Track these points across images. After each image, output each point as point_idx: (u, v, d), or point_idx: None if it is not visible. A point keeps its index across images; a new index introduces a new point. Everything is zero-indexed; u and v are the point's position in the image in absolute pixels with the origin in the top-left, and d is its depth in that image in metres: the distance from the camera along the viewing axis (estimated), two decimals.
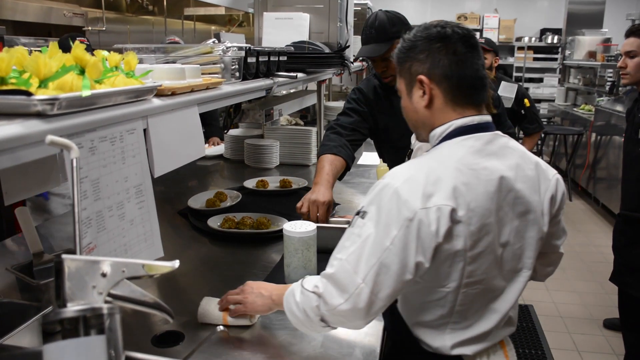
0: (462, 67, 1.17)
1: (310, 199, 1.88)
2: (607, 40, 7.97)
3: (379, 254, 1.05)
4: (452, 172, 1.09)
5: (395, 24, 2.16)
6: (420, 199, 1.05)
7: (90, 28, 3.50)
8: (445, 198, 1.05)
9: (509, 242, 1.16)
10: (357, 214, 1.13)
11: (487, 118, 1.21)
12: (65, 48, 0.97)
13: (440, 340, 1.19)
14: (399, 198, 1.05)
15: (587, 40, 8.06)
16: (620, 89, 6.47)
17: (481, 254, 1.11)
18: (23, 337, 1.05)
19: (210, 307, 1.38)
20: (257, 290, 1.32)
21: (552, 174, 1.24)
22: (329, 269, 1.12)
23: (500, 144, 1.18)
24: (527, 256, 1.20)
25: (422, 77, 1.18)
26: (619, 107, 5.71)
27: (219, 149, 3.54)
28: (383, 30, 2.15)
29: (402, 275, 1.06)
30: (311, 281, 1.16)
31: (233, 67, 1.53)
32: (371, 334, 1.35)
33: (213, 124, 3.84)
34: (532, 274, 1.24)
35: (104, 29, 3.62)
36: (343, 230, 1.19)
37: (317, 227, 1.58)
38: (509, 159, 1.17)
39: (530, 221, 1.18)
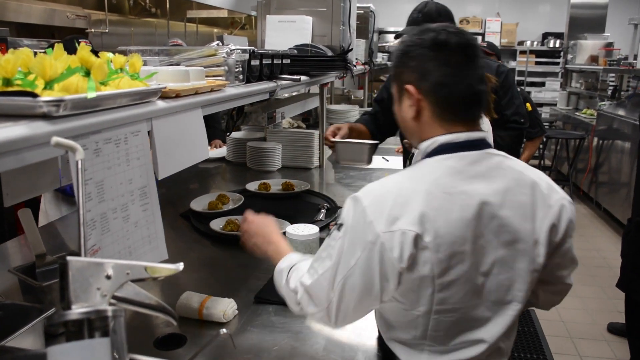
0: (454, 81, 1.08)
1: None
2: (609, 44, 7.98)
3: (345, 272, 1.04)
4: (423, 195, 1.02)
5: (441, 14, 2.28)
6: (385, 222, 1.00)
7: (93, 30, 3.51)
8: (410, 223, 0.99)
9: (492, 272, 1.07)
10: (335, 224, 1.11)
11: (478, 135, 1.11)
12: (69, 49, 0.97)
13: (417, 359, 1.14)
14: (365, 218, 1.02)
15: (590, 45, 8.07)
16: (622, 93, 6.48)
17: (454, 282, 1.04)
18: (25, 339, 1.05)
19: (189, 301, 1.40)
20: (260, 240, 1.40)
21: (556, 199, 1.11)
22: (306, 279, 1.12)
23: (490, 165, 1.09)
24: (517, 288, 1.09)
25: (409, 87, 1.10)
26: (621, 112, 5.71)
27: (221, 151, 3.54)
28: (429, 16, 2.24)
29: (367, 294, 1.05)
30: (294, 279, 1.17)
31: (237, 69, 1.53)
32: (374, 337, 1.35)
33: (215, 126, 3.83)
34: (531, 302, 1.20)
35: (106, 31, 3.63)
36: (363, 144, 1.60)
37: (337, 142, 1.96)
38: (497, 181, 1.07)
39: (519, 251, 1.08)
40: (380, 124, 2.42)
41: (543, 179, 1.13)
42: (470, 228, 1.02)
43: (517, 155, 2.45)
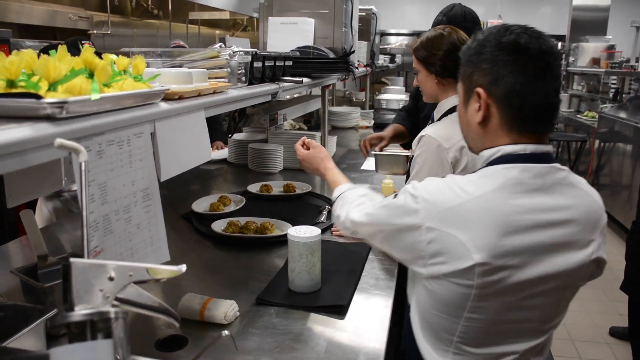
0: (530, 90, 1.01)
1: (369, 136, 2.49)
2: (611, 47, 7.97)
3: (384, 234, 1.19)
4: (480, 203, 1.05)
5: (467, 19, 2.30)
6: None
7: (95, 31, 3.51)
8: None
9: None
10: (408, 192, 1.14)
11: (545, 148, 1.06)
12: (72, 51, 0.97)
13: None
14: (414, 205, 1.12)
15: (591, 47, 8.06)
16: (624, 95, 6.47)
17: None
18: (27, 339, 1.05)
19: (190, 303, 1.40)
20: (316, 166, 1.70)
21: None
22: (355, 215, 1.31)
23: (555, 179, 1.06)
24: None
25: (480, 90, 1.05)
26: (623, 114, 5.70)
27: (222, 153, 3.54)
28: (454, 20, 2.25)
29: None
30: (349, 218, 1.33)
31: (239, 71, 1.53)
32: (375, 339, 1.35)
33: (216, 127, 3.84)
34: None
35: (109, 32, 3.64)
36: (399, 156, 2.00)
37: (376, 154, 2.28)
38: (559, 197, 1.06)
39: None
40: (414, 120, 2.62)
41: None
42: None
43: None
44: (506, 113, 1.05)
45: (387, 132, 2.55)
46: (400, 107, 2.90)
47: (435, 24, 2.34)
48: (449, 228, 1.03)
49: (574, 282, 1.11)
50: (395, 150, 2.51)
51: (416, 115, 2.62)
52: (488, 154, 1.09)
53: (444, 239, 1.03)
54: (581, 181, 1.11)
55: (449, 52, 1.75)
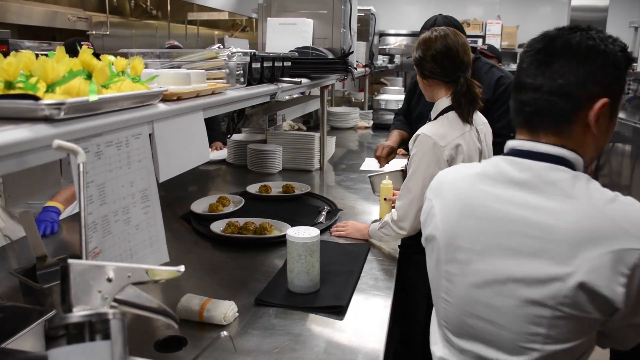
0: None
1: (382, 143, 2.51)
2: None
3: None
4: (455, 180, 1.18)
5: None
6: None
7: (94, 32, 3.51)
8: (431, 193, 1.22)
9: None
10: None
11: (545, 148, 1.03)
12: (71, 52, 0.97)
13: None
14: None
15: None
16: (623, 96, 6.47)
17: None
18: (26, 341, 1.05)
19: (189, 304, 1.40)
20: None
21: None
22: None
23: (545, 179, 1.01)
24: None
25: None
26: (622, 115, 5.71)
27: (221, 153, 3.54)
28: None
29: None
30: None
31: (238, 72, 1.53)
32: (375, 340, 1.35)
33: (215, 128, 3.84)
34: None
35: (108, 33, 3.64)
36: (395, 172, 2.15)
37: (369, 176, 2.33)
38: (539, 196, 1.02)
39: None
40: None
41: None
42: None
43: None
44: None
45: (394, 140, 2.53)
46: (397, 109, 2.90)
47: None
48: (432, 196, 1.18)
49: (548, 302, 0.97)
50: (388, 167, 2.47)
51: (410, 117, 2.63)
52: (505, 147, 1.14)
53: (427, 205, 1.19)
54: (593, 192, 0.99)
55: (439, 54, 1.76)
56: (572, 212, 0.97)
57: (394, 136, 2.57)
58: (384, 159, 2.46)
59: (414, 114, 2.55)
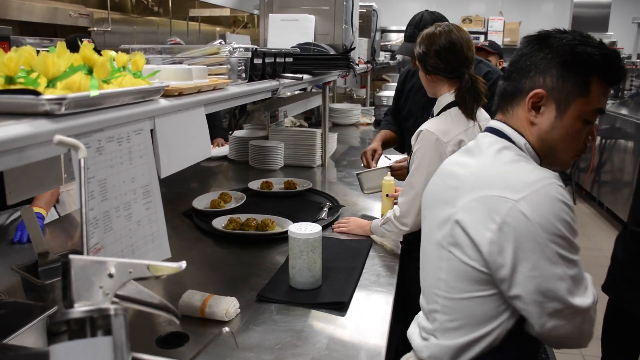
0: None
1: (365, 150, 2.50)
2: (613, 43, 7.93)
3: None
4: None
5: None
6: None
7: (95, 29, 3.51)
8: None
9: None
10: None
11: (492, 123, 1.25)
12: (72, 48, 0.97)
13: None
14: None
15: None
16: (625, 92, 6.46)
17: None
18: (28, 336, 1.05)
19: (191, 300, 1.40)
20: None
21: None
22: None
23: (480, 143, 1.24)
24: None
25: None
26: (624, 111, 5.69)
27: (223, 150, 3.54)
28: (426, 28, 2.20)
29: None
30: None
31: (240, 68, 1.53)
32: (377, 336, 1.35)
33: (217, 125, 3.84)
34: None
35: (109, 29, 3.63)
36: (383, 170, 2.20)
37: (357, 174, 2.32)
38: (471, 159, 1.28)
39: None
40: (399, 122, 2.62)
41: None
42: None
43: None
44: None
45: (377, 142, 2.53)
46: (386, 109, 2.90)
47: (408, 38, 2.29)
48: None
49: (443, 242, 1.17)
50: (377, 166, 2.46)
51: (399, 116, 2.61)
52: None
53: None
54: (501, 155, 1.15)
55: (443, 49, 1.75)
56: (475, 164, 1.15)
57: (377, 139, 2.58)
58: (371, 163, 2.47)
59: (402, 112, 2.53)
